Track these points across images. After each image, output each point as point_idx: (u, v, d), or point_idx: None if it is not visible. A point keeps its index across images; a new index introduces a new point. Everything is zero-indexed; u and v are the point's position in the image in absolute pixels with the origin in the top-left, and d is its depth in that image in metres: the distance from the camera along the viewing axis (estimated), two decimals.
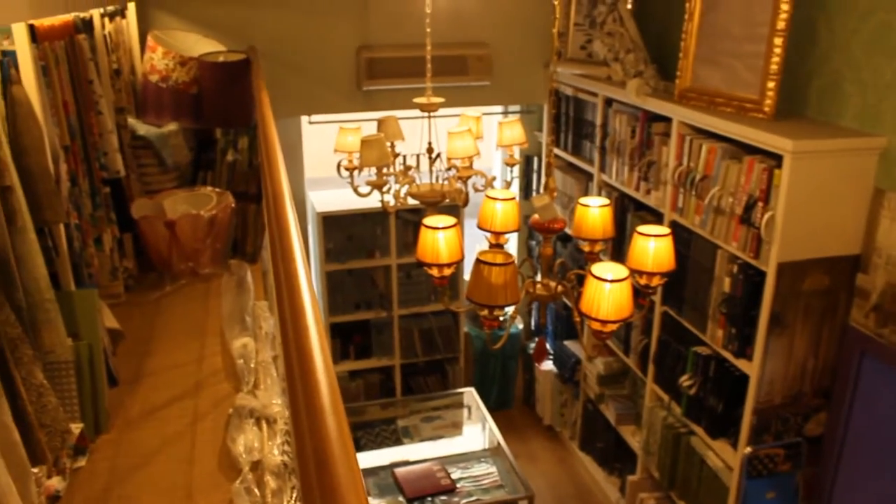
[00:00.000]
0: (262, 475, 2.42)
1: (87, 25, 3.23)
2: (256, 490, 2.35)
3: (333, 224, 5.85)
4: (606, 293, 2.45)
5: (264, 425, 2.65)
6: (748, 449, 3.86)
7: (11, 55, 2.37)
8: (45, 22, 2.68)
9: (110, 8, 3.79)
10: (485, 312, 2.44)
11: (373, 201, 4.20)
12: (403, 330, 6.26)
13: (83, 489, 2.41)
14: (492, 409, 6.06)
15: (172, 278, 3.87)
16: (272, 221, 1.66)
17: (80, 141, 3.02)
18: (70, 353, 2.53)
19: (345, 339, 6.29)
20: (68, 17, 2.96)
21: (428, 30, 3.69)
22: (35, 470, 2.20)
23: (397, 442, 5.52)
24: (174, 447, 2.62)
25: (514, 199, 3.05)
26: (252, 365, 2.98)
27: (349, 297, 6.16)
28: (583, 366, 5.78)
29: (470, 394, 6.00)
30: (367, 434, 5.50)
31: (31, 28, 2.49)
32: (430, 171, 3.90)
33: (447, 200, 3.93)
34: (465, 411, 5.94)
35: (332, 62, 4.99)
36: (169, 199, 3.93)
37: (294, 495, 2.36)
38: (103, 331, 2.89)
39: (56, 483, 2.34)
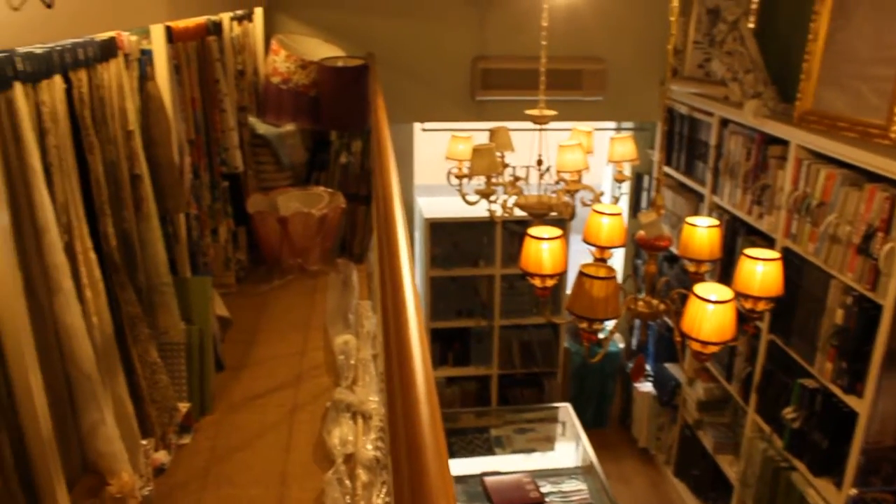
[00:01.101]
0: (354, 468, 2.49)
1: (217, 28, 3.40)
2: (348, 482, 2.41)
3: (440, 231, 5.92)
4: (709, 314, 2.40)
5: (360, 420, 2.72)
6: (853, 491, 3.70)
7: (148, 54, 2.53)
8: (179, 24, 2.84)
9: (239, 12, 3.97)
10: (584, 325, 2.44)
11: (480, 210, 4.25)
12: (503, 340, 6.27)
13: (186, 465, 2.53)
14: (586, 427, 6.00)
15: (281, 273, 4.01)
16: (381, 223, 1.71)
17: (204, 136, 3.17)
18: (182, 336, 2.67)
19: (444, 346, 6.35)
20: (201, 19, 3.12)
21: (543, 43, 3.70)
22: (144, 442, 2.33)
23: (489, 451, 5.52)
24: (272, 434, 2.72)
25: (620, 214, 3.04)
26: (352, 361, 3.06)
27: (451, 304, 6.22)
28: (682, 390, 5.66)
29: (565, 409, 5.95)
30: (460, 441, 5.54)
31: (168, 29, 2.65)
32: (539, 184, 3.92)
33: (554, 213, 3.93)
34: (560, 426, 5.89)
35: (447, 71, 5.07)
36: (283, 197, 4.08)
37: (384, 490, 2.41)
38: (214, 317, 3.03)
39: (162, 457, 2.46)
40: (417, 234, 6.20)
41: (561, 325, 6.30)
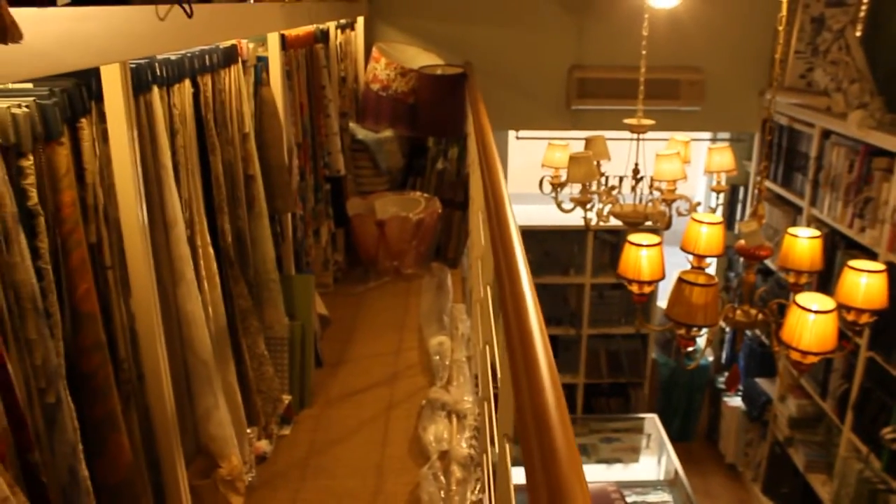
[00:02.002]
0: (448, 464, 2.55)
1: (325, 36, 3.53)
2: (442, 477, 2.48)
3: (531, 238, 5.95)
4: (810, 324, 2.38)
5: (454, 419, 2.78)
6: None
7: (264, 60, 2.65)
8: (292, 32, 2.96)
9: (343, 21, 4.10)
10: (682, 331, 2.44)
11: (571, 219, 4.27)
12: (591, 349, 6.25)
13: (286, 455, 2.64)
14: (672, 440, 5.92)
15: (377, 275, 4.11)
16: (493, 222, 1.75)
17: (310, 140, 3.30)
18: (286, 331, 2.78)
19: None
20: (311, 27, 3.25)
21: (644, 52, 3.71)
22: (248, 431, 2.45)
23: None
24: (368, 429, 2.81)
25: (720, 223, 3.02)
26: (447, 362, 3.12)
27: (542, 311, 6.23)
28: (773, 406, 5.53)
29: (652, 420, 5.89)
30: None
31: (282, 37, 2.77)
32: (634, 192, 3.91)
33: (649, 223, 3.92)
34: (645, 438, 5.83)
35: (543, 80, 5.11)
36: (380, 201, 4.19)
37: (477, 487, 2.46)
38: (315, 315, 3.14)
39: (264, 445, 2.58)
40: None
41: (649, 335, 6.24)
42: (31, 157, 1.30)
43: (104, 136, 1.54)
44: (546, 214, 5.21)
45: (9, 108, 1.24)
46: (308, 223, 3.35)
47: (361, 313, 3.74)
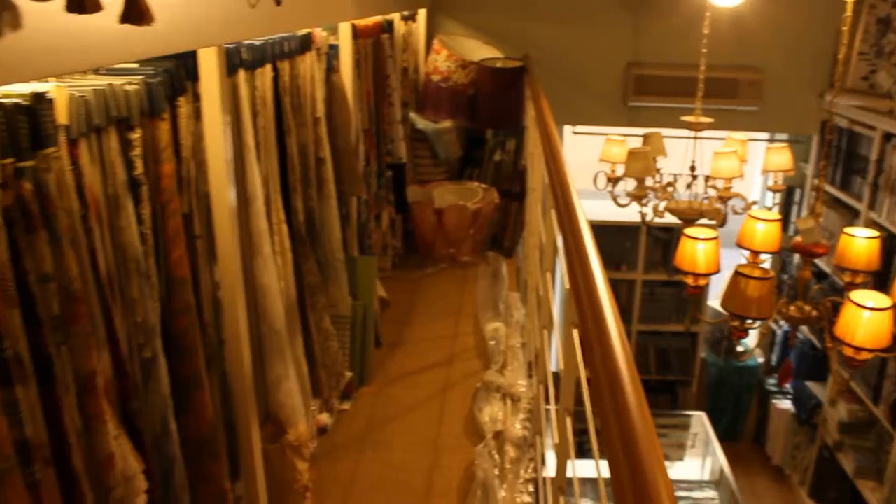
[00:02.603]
0: (503, 444, 2.63)
1: (390, 27, 3.63)
2: (497, 456, 2.56)
3: None
4: (864, 320, 2.40)
5: (508, 402, 2.86)
6: None
7: (335, 48, 2.75)
8: (361, 22, 3.06)
9: (406, 12, 4.19)
10: (736, 323, 2.48)
11: (624, 214, 4.30)
12: (640, 346, 6.28)
13: (345, 429, 2.75)
14: (719, 440, 5.92)
15: (434, 261, 4.21)
16: (561, 210, 1.82)
17: (374, 127, 3.40)
18: (349, 310, 2.89)
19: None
20: (378, 18, 3.35)
21: (704, 50, 3.73)
22: (311, 403, 2.56)
23: None
24: (425, 408, 2.90)
25: (778, 220, 3.04)
26: (502, 347, 3.20)
27: None
28: (823, 409, 5.50)
29: (699, 419, 5.89)
30: (589, 441, 5.58)
31: (353, 27, 2.88)
32: (690, 189, 3.94)
33: (704, 220, 3.95)
34: (692, 436, 5.84)
35: (601, 76, 5.14)
36: (439, 189, 4.28)
37: (531, 466, 2.54)
38: (376, 297, 3.24)
39: (325, 418, 2.68)
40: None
41: (699, 334, 6.23)
42: (139, 131, 1.41)
43: (197, 114, 1.65)
44: (599, 210, 5.25)
45: (122, 84, 1.35)
46: (371, 207, 3.45)
47: (419, 298, 3.83)
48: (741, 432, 6.72)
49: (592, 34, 5.04)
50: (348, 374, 2.83)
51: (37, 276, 1.04)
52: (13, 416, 0.96)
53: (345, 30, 2.77)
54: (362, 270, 3.03)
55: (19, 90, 1.06)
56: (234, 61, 1.82)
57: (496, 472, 2.47)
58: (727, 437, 6.57)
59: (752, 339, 6.43)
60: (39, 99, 1.06)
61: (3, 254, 0.97)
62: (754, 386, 6.58)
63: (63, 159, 1.13)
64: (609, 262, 6.10)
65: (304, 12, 2.02)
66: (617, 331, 1.14)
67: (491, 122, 4.57)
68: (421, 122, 4.46)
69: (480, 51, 4.77)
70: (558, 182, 1.97)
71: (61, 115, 1.13)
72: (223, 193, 1.70)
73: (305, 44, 2.40)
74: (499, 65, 4.56)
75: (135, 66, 1.50)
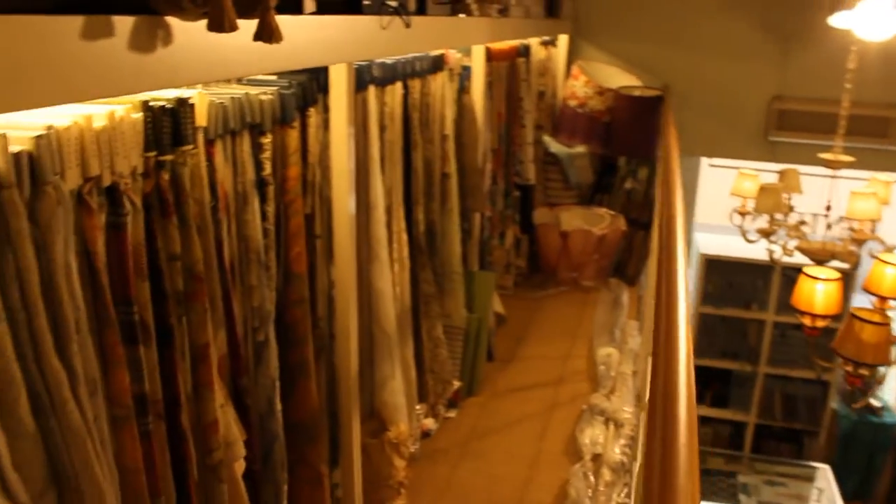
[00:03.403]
0: (599, 467, 2.65)
1: (527, 51, 3.73)
2: (592, 477, 2.59)
3: (715, 268, 5.89)
4: None
5: (611, 426, 2.88)
6: None
7: (468, 70, 2.88)
8: (496, 45, 3.18)
9: (546, 38, 4.28)
10: (849, 367, 2.42)
11: (759, 253, 4.21)
12: (766, 389, 6.07)
13: (448, 435, 2.84)
14: (845, 498, 5.63)
15: (556, 283, 4.26)
16: (662, 250, 1.86)
17: (504, 147, 3.51)
18: (463, 322, 2.99)
19: (703, 384, 6.27)
20: (514, 42, 3.46)
21: (847, 86, 3.62)
22: (417, 407, 2.67)
23: (733, 497, 5.39)
24: (529, 423, 2.96)
25: None
26: (612, 373, 3.22)
27: (716, 343, 6.14)
28: None
29: (824, 472, 5.64)
30: (705, 482, 5.45)
31: (487, 50, 3.00)
32: (830, 229, 3.82)
33: (836, 261, 3.82)
34: (815, 490, 5.60)
35: (742, 108, 5.04)
36: (567, 213, 4.33)
37: (624, 492, 2.55)
38: (492, 312, 3.33)
39: (430, 423, 2.79)
40: (692, 269, 6.18)
41: (831, 382, 5.97)
42: (270, 136, 1.57)
43: (325, 125, 1.80)
44: (733, 246, 5.15)
45: (258, 94, 1.52)
46: (495, 225, 3.55)
47: (537, 317, 3.90)
48: (872, 494, 6.35)
49: (736, 66, 4.96)
50: (456, 384, 2.93)
51: (166, 255, 1.19)
52: (134, 372, 1.11)
53: (478, 52, 2.90)
54: (480, 285, 3.13)
55: (167, 95, 1.23)
56: (364, 77, 1.97)
57: (589, 493, 2.51)
58: (857, 496, 6.23)
59: (891, 394, 6.09)
60: (182, 103, 1.22)
61: (140, 233, 1.13)
62: (890, 444, 6.22)
63: (199, 156, 1.29)
64: (738, 300, 5.96)
65: (434, 35, 2.15)
66: (686, 372, 1.16)
67: (624, 149, 4.59)
68: (554, 146, 4.53)
69: (619, 78, 4.80)
70: (666, 213, 2.00)
71: (201, 118, 1.29)
72: (344, 199, 1.84)
73: (438, 64, 2.54)
74: (636, 93, 4.57)
75: (273, 78, 1.66)
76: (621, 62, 4.91)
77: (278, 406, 1.68)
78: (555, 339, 3.66)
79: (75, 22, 0.86)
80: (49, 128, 0.96)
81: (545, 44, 4.35)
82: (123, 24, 0.93)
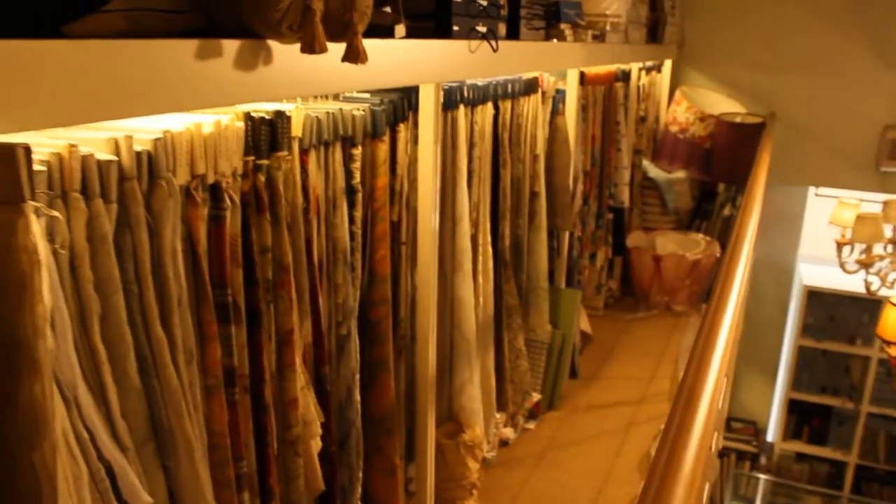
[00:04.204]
0: None
1: (626, 76, 3.81)
2: None
3: (817, 300, 5.74)
4: None
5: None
6: None
7: (562, 93, 2.99)
8: (592, 70, 3.28)
9: (649, 63, 4.34)
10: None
11: (862, 286, 4.12)
12: (868, 429, 5.86)
13: (525, 445, 2.93)
14: None
15: (647, 307, 4.29)
16: (721, 273, 1.91)
17: (598, 169, 3.59)
18: (547, 337, 3.08)
19: (801, 419, 6.11)
20: (612, 67, 3.54)
21: None
22: (497, 415, 2.78)
23: None
24: (606, 439, 3.02)
25: None
26: None
27: (817, 378, 5.98)
28: None
29: None
30: None
31: (581, 74, 3.10)
32: None
33: None
34: None
35: (852, 136, 4.92)
36: (661, 238, 4.36)
37: None
38: (577, 329, 3.41)
39: (508, 433, 2.89)
40: (793, 301, 6.05)
41: None
42: (360, 148, 1.72)
43: (415, 139, 1.95)
44: (838, 278, 5.04)
45: (351, 110, 1.68)
46: (585, 245, 3.63)
47: (625, 338, 3.94)
48: None
49: (846, 93, 4.86)
50: (536, 396, 3.02)
51: (258, 247, 1.36)
52: (225, 347, 1.27)
53: (572, 76, 3.00)
54: (566, 302, 3.21)
55: (267, 108, 1.40)
56: (454, 97, 2.11)
57: None
58: None
59: None
60: (279, 115, 1.39)
61: (237, 226, 1.30)
62: None
63: (293, 162, 1.45)
64: (842, 334, 5.80)
65: (524, 59, 2.28)
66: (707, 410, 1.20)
67: (724, 176, 4.58)
68: (653, 171, 4.57)
69: (722, 104, 4.80)
70: (734, 241, 2.05)
71: (296, 128, 1.46)
72: (428, 209, 1.98)
73: (530, 87, 2.66)
74: (738, 119, 4.57)
75: (367, 96, 1.82)
76: (726, 88, 4.90)
77: (357, 397, 1.82)
78: (641, 360, 3.69)
79: (191, 45, 1.03)
80: (165, 132, 1.14)
81: (648, 69, 4.40)
82: (230, 46, 1.09)
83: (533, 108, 2.70)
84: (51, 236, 0.95)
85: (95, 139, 1.07)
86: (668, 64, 4.79)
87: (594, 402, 3.29)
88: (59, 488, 0.90)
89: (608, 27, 2.84)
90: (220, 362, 1.26)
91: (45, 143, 1.00)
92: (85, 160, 1.01)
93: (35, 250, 0.83)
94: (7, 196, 0.81)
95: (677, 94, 4.64)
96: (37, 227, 0.84)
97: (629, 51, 3.38)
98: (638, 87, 4.10)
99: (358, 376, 1.82)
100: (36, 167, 0.92)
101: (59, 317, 0.95)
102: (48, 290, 0.86)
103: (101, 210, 1.03)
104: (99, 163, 1.03)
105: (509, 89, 2.48)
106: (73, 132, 1.08)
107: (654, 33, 4.05)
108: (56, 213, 0.94)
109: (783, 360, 6.18)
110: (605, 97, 3.49)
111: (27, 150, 0.82)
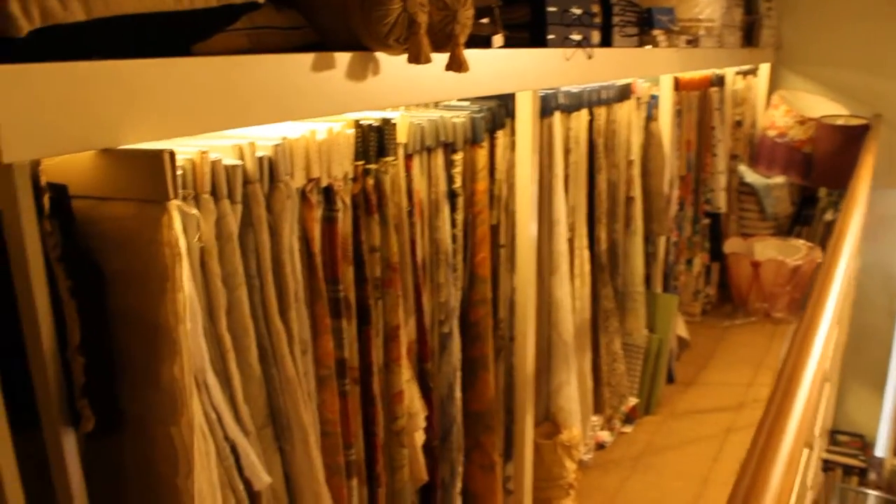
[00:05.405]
0: None
1: (721, 81, 3.78)
2: None
3: None
4: None
5: (805, 453, 2.86)
6: None
7: (656, 98, 3.00)
8: (686, 75, 3.28)
9: (745, 67, 4.29)
10: None
11: None
12: None
13: (622, 448, 2.94)
14: None
15: (745, 314, 4.22)
16: (819, 278, 1.88)
17: (693, 174, 3.57)
18: (644, 341, 3.09)
19: None
20: (707, 72, 3.53)
21: None
22: (594, 418, 2.80)
23: None
24: (704, 444, 3.00)
25: None
26: None
27: None
28: None
29: None
30: None
31: (675, 79, 3.10)
32: None
33: None
34: None
35: None
36: (760, 244, 4.29)
37: None
38: (674, 334, 3.40)
39: (605, 436, 2.91)
40: None
41: None
42: (461, 154, 1.80)
43: (513, 146, 2.01)
44: None
45: (451, 118, 1.75)
46: (682, 251, 3.61)
47: (723, 345, 3.90)
48: None
49: None
50: (633, 400, 3.03)
51: (368, 247, 1.44)
52: (337, 340, 1.36)
53: (666, 82, 3.01)
54: (662, 306, 3.21)
55: (374, 116, 1.48)
56: (550, 104, 2.17)
57: None
58: None
59: None
60: (386, 122, 1.47)
61: (348, 226, 1.39)
62: None
63: (398, 167, 1.53)
64: None
65: (618, 66, 2.31)
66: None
67: (826, 180, 4.48)
68: (750, 176, 4.50)
69: (822, 107, 4.69)
70: (833, 245, 2.03)
71: (402, 135, 1.54)
72: (526, 213, 2.04)
73: (624, 93, 2.69)
74: (840, 122, 4.46)
75: (467, 104, 1.90)
76: (827, 90, 4.79)
77: (458, 393, 1.89)
78: (739, 367, 3.65)
79: (307, 59, 1.13)
80: (284, 139, 1.24)
81: (744, 73, 4.35)
82: (342, 59, 1.18)
83: (627, 114, 2.73)
84: (187, 233, 1.05)
85: (222, 146, 1.17)
86: (764, 67, 4.71)
87: (691, 407, 3.27)
88: (194, 461, 0.99)
89: (702, 32, 2.85)
90: (333, 354, 1.35)
91: (179, 151, 1.11)
92: (214, 165, 1.11)
93: (177, 244, 0.93)
94: (155, 195, 0.91)
95: (775, 97, 4.56)
96: (178, 224, 0.94)
97: (724, 55, 3.36)
98: (733, 92, 4.05)
99: (459, 373, 1.88)
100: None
101: (192, 307, 1.05)
102: (188, 280, 0.96)
103: (228, 210, 1.13)
104: (226, 167, 1.13)
105: (603, 96, 2.52)
106: (202, 140, 1.19)
107: (750, 37, 4.01)
108: (195, 212, 1.04)
109: (892, 371, 5.95)
110: (699, 102, 3.47)
111: (172, 155, 0.92)
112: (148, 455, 0.99)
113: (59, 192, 0.89)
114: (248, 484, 1.17)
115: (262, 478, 1.19)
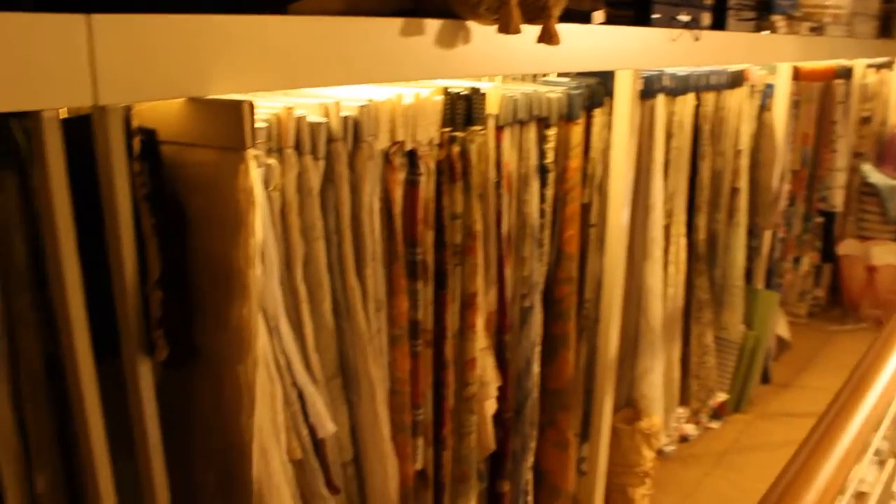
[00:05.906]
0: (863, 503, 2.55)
1: (847, 73, 3.60)
2: None
3: None
4: None
5: (890, 466, 2.73)
6: None
7: (771, 88, 2.90)
8: (807, 65, 3.14)
9: (879, 60, 4.06)
10: None
11: None
12: None
13: (707, 443, 2.88)
14: None
15: (856, 319, 4.04)
16: None
17: (808, 170, 3.43)
18: (739, 337, 3.01)
19: None
20: (831, 63, 3.37)
21: None
22: (679, 409, 2.76)
23: None
24: (793, 449, 2.89)
25: None
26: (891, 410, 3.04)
27: None
28: None
29: None
30: None
31: (795, 69, 2.98)
32: None
33: None
34: None
35: None
36: (879, 248, 4.08)
37: None
38: (773, 333, 3.29)
39: (689, 429, 2.86)
40: None
41: None
42: (555, 129, 1.79)
43: (610, 125, 1.99)
44: None
45: (546, 92, 1.75)
46: (789, 248, 3.49)
47: (827, 350, 3.74)
48: None
49: None
50: (722, 396, 2.96)
51: (449, 214, 1.47)
52: (412, 301, 1.39)
53: (784, 71, 2.90)
54: (762, 303, 3.11)
55: (464, 84, 1.50)
56: (653, 86, 2.13)
57: None
58: None
59: None
60: (476, 92, 1.49)
61: (430, 191, 1.42)
62: None
63: (486, 137, 1.55)
64: None
65: (729, 51, 2.24)
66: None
67: None
68: (875, 176, 4.28)
69: None
70: None
71: (492, 106, 1.55)
72: (619, 195, 2.01)
73: (736, 80, 2.61)
74: None
75: (566, 80, 1.89)
76: None
77: (536, 368, 1.90)
78: (842, 374, 3.46)
79: (397, 23, 1.15)
80: (370, 101, 1.27)
81: (878, 66, 4.13)
82: (432, 25, 1.20)
83: (738, 102, 2.64)
84: (266, 182, 1.10)
85: (309, 104, 1.21)
86: None
87: (784, 410, 3.17)
88: (257, 400, 1.05)
89: (828, 19, 2.72)
90: (407, 315, 1.39)
91: (266, 106, 1.16)
92: (299, 121, 1.16)
93: (252, 191, 0.98)
94: (232, 143, 0.96)
95: None
96: (255, 172, 0.99)
97: (853, 45, 3.19)
98: (863, 86, 3.85)
99: (539, 349, 1.89)
100: (258, 124, 1.07)
101: (268, 255, 1.10)
102: (261, 227, 1.01)
103: (310, 165, 1.17)
104: (311, 124, 1.18)
105: (712, 81, 2.45)
106: (289, 98, 1.23)
107: (888, 27, 3.79)
108: (272, 161, 1.09)
109: None
110: (821, 94, 3.33)
111: (251, 105, 0.97)
112: (215, 392, 1.05)
113: (149, 136, 0.95)
114: (312, 430, 1.22)
115: (327, 426, 1.24)
